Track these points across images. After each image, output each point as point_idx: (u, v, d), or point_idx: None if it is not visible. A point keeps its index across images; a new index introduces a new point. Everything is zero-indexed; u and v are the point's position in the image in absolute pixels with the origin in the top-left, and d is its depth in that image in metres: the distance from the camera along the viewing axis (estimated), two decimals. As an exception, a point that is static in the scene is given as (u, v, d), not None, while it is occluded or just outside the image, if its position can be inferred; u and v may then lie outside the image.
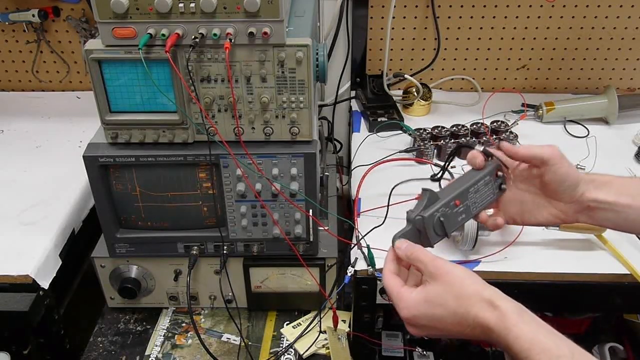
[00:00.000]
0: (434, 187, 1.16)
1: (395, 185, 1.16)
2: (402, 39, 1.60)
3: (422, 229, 0.86)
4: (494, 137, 1.35)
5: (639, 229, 0.93)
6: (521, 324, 0.71)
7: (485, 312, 0.73)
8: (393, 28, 1.54)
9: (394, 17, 1.50)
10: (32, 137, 1.48)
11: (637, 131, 1.41)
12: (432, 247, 0.87)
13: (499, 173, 0.93)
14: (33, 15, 1.52)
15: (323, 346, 1.16)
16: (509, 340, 0.70)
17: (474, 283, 0.76)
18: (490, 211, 0.98)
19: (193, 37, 0.91)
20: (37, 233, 1.16)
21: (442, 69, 1.64)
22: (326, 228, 1.18)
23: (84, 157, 1.02)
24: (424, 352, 1.32)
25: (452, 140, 1.35)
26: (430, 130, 1.37)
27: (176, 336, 1.21)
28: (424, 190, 0.88)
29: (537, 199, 0.94)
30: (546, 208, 0.93)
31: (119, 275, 1.19)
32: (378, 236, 1.07)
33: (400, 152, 1.34)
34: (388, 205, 1.11)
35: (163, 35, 0.91)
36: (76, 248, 1.23)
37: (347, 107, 1.66)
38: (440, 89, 1.66)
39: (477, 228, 1.01)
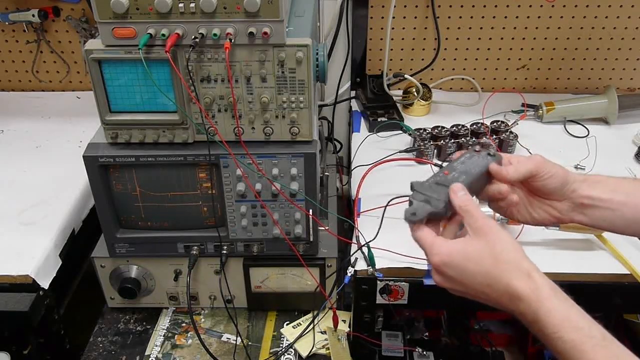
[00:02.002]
0: None
1: (393, 198, 1.15)
2: (402, 39, 1.60)
3: (429, 198, 0.83)
4: (494, 137, 1.35)
5: (636, 229, 0.92)
6: (554, 299, 0.71)
7: (520, 280, 0.72)
8: (393, 28, 1.54)
9: (394, 17, 1.50)
10: (32, 137, 1.48)
11: (637, 131, 1.41)
12: (446, 215, 0.83)
13: (491, 152, 0.91)
14: (33, 15, 1.52)
15: (323, 346, 1.16)
16: (540, 313, 0.70)
17: (516, 251, 0.75)
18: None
19: (193, 37, 0.91)
20: (37, 233, 1.16)
21: (442, 69, 1.64)
22: (326, 228, 1.18)
23: (84, 157, 1.02)
24: (424, 352, 1.32)
25: (452, 140, 1.35)
26: (430, 130, 1.37)
27: (176, 336, 1.21)
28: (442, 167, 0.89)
29: (531, 197, 0.94)
30: (540, 206, 0.93)
31: (119, 275, 1.19)
32: (378, 236, 1.07)
33: (400, 152, 1.34)
34: (386, 206, 1.10)
35: (163, 35, 0.91)
36: (76, 248, 1.23)
37: (347, 107, 1.66)
38: (440, 89, 1.66)
39: None
